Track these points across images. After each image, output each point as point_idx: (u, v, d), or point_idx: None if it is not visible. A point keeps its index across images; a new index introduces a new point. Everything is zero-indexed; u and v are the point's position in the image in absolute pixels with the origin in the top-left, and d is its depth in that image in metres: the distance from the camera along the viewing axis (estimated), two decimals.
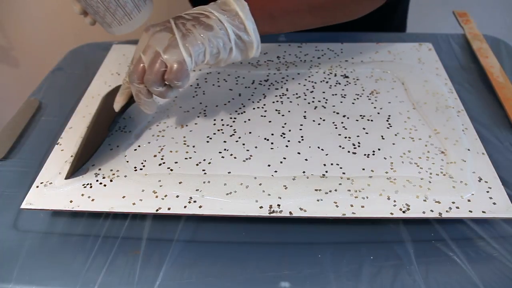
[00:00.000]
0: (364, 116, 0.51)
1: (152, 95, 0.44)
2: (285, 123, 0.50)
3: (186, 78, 0.42)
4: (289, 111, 0.52)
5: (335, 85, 0.56)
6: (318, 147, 0.47)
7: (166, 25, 0.43)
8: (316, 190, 0.42)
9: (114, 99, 0.48)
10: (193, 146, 0.48)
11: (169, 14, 0.59)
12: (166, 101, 0.55)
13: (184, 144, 0.48)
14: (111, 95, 0.50)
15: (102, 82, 0.59)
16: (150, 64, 0.41)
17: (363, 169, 0.44)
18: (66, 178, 0.44)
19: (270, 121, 0.51)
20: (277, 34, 0.66)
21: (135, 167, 0.46)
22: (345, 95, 0.55)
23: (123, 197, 0.42)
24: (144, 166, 0.46)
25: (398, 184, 0.43)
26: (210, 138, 0.49)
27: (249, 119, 0.51)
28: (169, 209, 0.41)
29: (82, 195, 0.43)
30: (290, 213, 0.40)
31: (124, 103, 0.47)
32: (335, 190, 0.42)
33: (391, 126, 0.50)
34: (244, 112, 0.52)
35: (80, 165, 0.45)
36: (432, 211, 0.40)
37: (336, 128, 0.50)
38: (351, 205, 0.41)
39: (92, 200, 0.42)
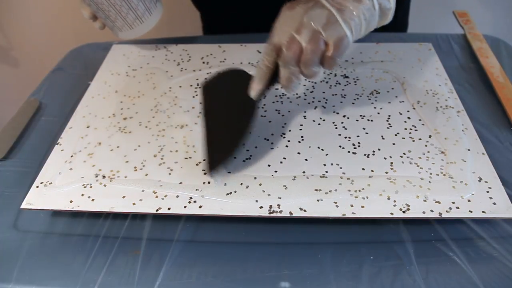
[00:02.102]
0: (364, 116, 0.51)
1: (303, 76, 0.42)
2: (285, 123, 0.50)
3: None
4: (289, 111, 0.52)
5: (335, 85, 0.56)
6: (318, 147, 0.47)
7: (312, 1, 0.40)
8: (316, 190, 0.42)
9: (229, 87, 0.45)
10: (193, 146, 0.48)
11: (170, 14, 0.59)
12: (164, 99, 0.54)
13: (184, 144, 0.48)
14: (215, 83, 0.48)
15: (102, 82, 0.59)
16: (310, 44, 0.39)
17: (363, 169, 0.44)
18: (208, 173, 0.43)
19: (270, 121, 0.51)
20: None
21: (135, 167, 0.46)
22: (345, 95, 0.55)
23: (123, 197, 0.42)
24: (144, 166, 0.46)
25: (398, 184, 0.43)
26: None
27: None
28: (169, 209, 0.41)
29: (82, 195, 0.43)
30: (290, 213, 0.40)
31: (263, 89, 0.44)
32: (335, 190, 0.42)
33: (391, 126, 0.50)
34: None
35: (226, 158, 0.43)
36: (432, 211, 0.40)
37: (336, 128, 0.50)
38: (351, 205, 0.41)
39: (92, 200, 0.42)
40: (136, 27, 0.54)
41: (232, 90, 0.46)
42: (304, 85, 0.56)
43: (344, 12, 0.39)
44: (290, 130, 0.49)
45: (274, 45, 0.41)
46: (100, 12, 0.52)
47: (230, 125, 0.45)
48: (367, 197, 0.41)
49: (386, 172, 0.44)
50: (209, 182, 0.43)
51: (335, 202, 0.41)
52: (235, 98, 0.46)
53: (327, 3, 0.39)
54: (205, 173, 0.41)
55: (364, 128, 0.49)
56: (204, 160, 0.45)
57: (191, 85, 0.57)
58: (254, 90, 0.44)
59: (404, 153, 0.46)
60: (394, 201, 0.41)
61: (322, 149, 0.47)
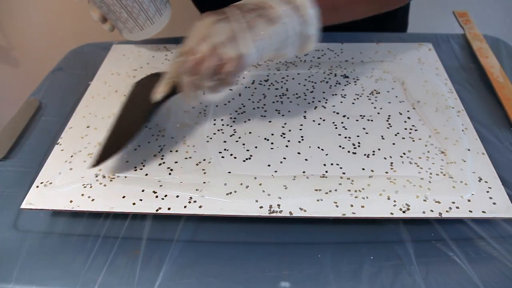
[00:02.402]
0: (364, 116, 0.51)
1: (200, 88, 0.42)
2: (285, 123, 0.50)
3: (241, 74, 0.40)
4: (289, 111, 0.52)
5: (335, 85, 0.56)
6: (318, 147, 0.47)
7: (224, 15, 0.40)
8: (316, 190, 0.42)
9: (148, 88, 0.45)
10: (193, 146, 0.48)
11: (172, 15, 0.59)
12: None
13: (184, 144, 0.48)
14: (144, 83, 0.48)
15: (102, 82, 0.59)
16: (208, 56, 0.39)
17: (363, 169, 0.44)
18: (93, 166, 0.43)
19: (270, 121, 0.51)
20: None
21: (135, 167, 0.46)
22: (345, 95, 0.55)
23: (123, 197, 0.42)
24: (144, 166, 0.46)
25: (398, 184, 0.43)
26: (210, 138, 0.49)
27: (249, 119, 0.51)
28: (169, 209, 0.41)
29: (82, 195, 0.43)
30: (290, 213, 0.40)
31: (166, 94, 0.44)
32: (335, 190, 0.42)
33: (391, 126, 0.50)
34: (244, 112, 0.52)
35: (109, 154, 0.44)
36: (432, 211, 0.40)
37: (336, 128, 0.50)
38: (351, 205, 0.41)
39: (92, 200, 0.42)
40: (147, 28, 0.55)
41: (146, 92, 0.46)
42: (304, 85, 0.56)
43: (250, 31, 0.39)
44: (290, 130, 0.49)
45: (181, 52, 0.41)
46: (111, 14, 0.52)
47: (126, 124, 0.46)
48: (367, 197, 0.41)
49: (386, 172, 0.44)
50: (209, 182, 0.43)
51: (335, 202, 0.41)
52: (145, 99, 0.46)
53: (235, 19, 0.39)
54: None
55: (364, 128, 0.49)
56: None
57: None
58: (157, 93, 0.44)
59: (404, 153, 0.46)
60: (394, 201, 0.41)
61: (322, 149, 0.47)
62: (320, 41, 0.41)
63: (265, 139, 0.48)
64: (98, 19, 0.56)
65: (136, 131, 0.45)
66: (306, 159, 0.46)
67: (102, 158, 0.44)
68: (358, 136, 0.48)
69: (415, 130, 0.49)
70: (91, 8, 0.55)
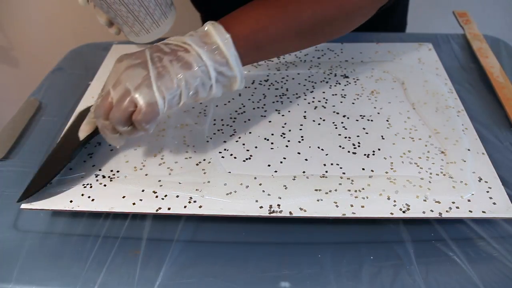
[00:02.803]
0: (364, 116, 0.51)
1: (117, 131, 0.40)
2: (285, 123, 0.50)
3: (155, 122, 0.38)
4: (289, 111, 0.52)
5: (335, 85, 0.56)
6: (318, 147, 0.47)
7: (141, 59, 0.39)
8: (316, 190, 0.42)
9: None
10: (193, 146, 0.48)
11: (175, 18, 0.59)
12: None
13: (184, 144, 0.48)
14: (83, 116, 0.46)
15: (102, 82, 0.58)
16: (118, 102, 0.38)
17: (363, 169, 0.44)
18: (17, 201, 0.41)
19: (270, 121, 0.51)
20: None
21: (135, 167, 0.46)
22: (345, 95, 0.55)
23: (123, 197, 0.42)
24: (144, 166, 0.46)
25: (398, 184, 0.43)
26: (210, 138, 0.49)
27: (249, 119, 0.51)
28: (169, 209, 0.41)
29: (82, 195, 0.43)
30: (290, 213, 0.40)
31: (89, 133, 0.43)
32: (335, 190, 0.42)
33: (391, 126, 0.50)
34: (244, 112, 0.52)
35: (36, 189, 0.42)
36: (432, 211, 0.40)
37: (336, 128, 0.50)
38: (351, 205, 0.41)
39: (92, 200, 0.42)
40: (153, 31, 0.55)
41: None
42: (304, 85, 0.56)
43: (163, 77, 0.37)
44: (290, 130, 0.49)
45: (100, 95, 0.41)
46: (118, 18, 0.53)
47: (56, 156, 0.45)
48: (367, 197, 0.41)
49: (386, 172, 0.44)
50: (209, 182, 0.43)
51: (335, 202, 0.41)
52: (75, 135, 0.45)
53: (150, 63, 0.38)
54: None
55: (364, 128, 0.49)
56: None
57: None
58: (81, 131, 0.43)
59: (404, 153, 0.46)
60: (394, 201, 0.41)
61: (322, 149, 0.47)
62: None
63: (265, 139, 0.48)
64: (104, 24, 0.56)
65: (60, 167, 0.43)
66: (306, 159, 0.46)
67: (28, 192, 0.42)
68: (358, 136, 0.48)
69: (415, 130, 0.49)
70: (98, 13, 0.55)
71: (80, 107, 0.54)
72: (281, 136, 0.49)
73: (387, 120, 0.50)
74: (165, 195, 0.42)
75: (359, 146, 0.47)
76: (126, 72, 0.38)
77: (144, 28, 0.54)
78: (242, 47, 0.40)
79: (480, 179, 0.43)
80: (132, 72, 0.38)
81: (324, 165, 0.45)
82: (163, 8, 0.54)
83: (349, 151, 0.46)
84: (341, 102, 0.54)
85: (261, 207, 0.41)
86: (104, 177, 0.45)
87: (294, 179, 0.43)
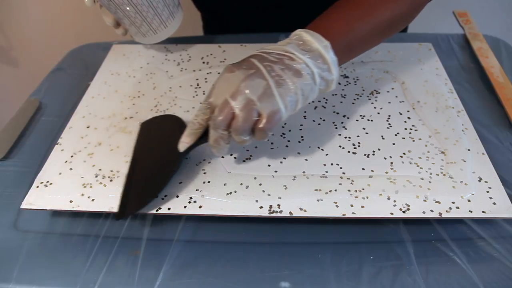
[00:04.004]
0: (364, 116, 0.51)
1: (229, 141, 0.41)
2: (285, 123, 0.50)
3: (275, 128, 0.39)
4: None
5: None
6: (318, 147, 0.47)
7: (253, 68, 0.39)
8: (316, 190, 0.42)
9: (161, 133, 0.45)
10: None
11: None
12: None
13: None
14: (153, 125, 0.47)
15: (102, 82, 0.59)
16: (242, 111, 0.38)
17: (363, 169, 0.44)
18: (117, 218, 0.41)
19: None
20: (277, 34, 0.66)
21: None
22: (345, 95, 0.55)
23: None
24: None
25: (398, 184, 0.43)
26: None
27: None
28: (169, 209, 0.41)
29: (82, 195, 0.43)
30: (290, 213, 0.40)
31: (191, 144, 0.42)
32: (335, 190, 0.42)
33: (391, 126, 0.50)
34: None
35: (141, 205, 0.41)
36: (432, 211, 0.40)
37: (336, 128, 0.50)
38: (351, 205, 0.41)
39: (92, 200, 0.42)
40: (160, 31, 0.55)
41: (165, 137, 0.46)
42: None
43: (282, 86, 0.38)
44: (290, 130, 0.49)
45: (210, 104, 0.40)
46: (126, 19, 0.52)
47: (152, 174, 0.44)
48: (367, 197, 0.41)
49: (386, 172, 0.44)
50: (209, 182, 0.43)
51: (335, 202, 0.41)
52: (165, 146, 0.45)
53: (267, 74, 0.38)
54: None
55: (364, 128, 0.49)
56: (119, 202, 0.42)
57: (191, 85, 0.57)
58: (182, 144, 0.42)
59: (404, 153, 0.46)
60: (394, 201, 0.41)
61: (322, 149, 0.47)
62: None
63: None
64: (111, 24, 0.56)
65: (166, 181, 0.42)
66: (306, 159, 0.46)
67: (130, 208, 0.41)
68: (358, 136, 0.48)
69: (415, 130, 0.49)
70: (105, 13, 0.55)
71: (80, 107, 0.54)
72: (281, 136, 0.49)
73: (387, 120, 0.50)
74: (165, 195, 0.42)
75: (359, 146, 0.47)
76: (246, 82, 0.38)
77: (152, 29, 0.54)
78: (338, 51, 0.41)
79: (480, 179, 0.43)
80: (251, 82, 0.38)
81: (324, 165, 0.45)
82: (171, 8, 0.53)
83: (349, 151, 0.46)
84: (341, 102, 0.53)
85: (261, 207, 0.41)
86: (104, 177, 0.45)
87: (294, 179, 0.43)
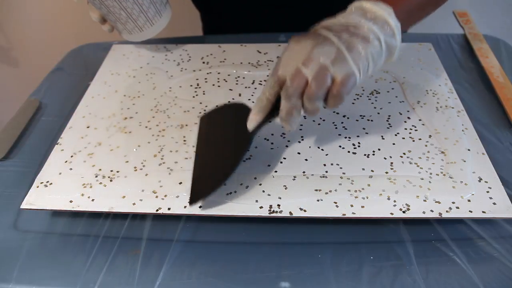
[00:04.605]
0: (364, 116, 0.51)
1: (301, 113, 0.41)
2: None
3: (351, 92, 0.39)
4: None
5: None
6: (318, 147, 0.47)
7: (323, 37, 0.39)
8: (316, 190, 0.42)
9: (225, 121, 0.45)
10: (193, 146, 0.48)
11: (172, 16, 0.59)
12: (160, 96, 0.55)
13: (184, 144, 0.48)
14: (215, 117, 0.47)
15: (102, 82, 0.59)
16: (317, 78, 0.38)
17: (363, 169, 0.44)
18: (190, 204, 0.41)
19: (270, 121, 0.51)
20: (277, 34, 0.66)
21: (135, 167, 0.46)
22: None
23: (123, 197, 0.42)
24: (144, 166, 0.46)
25: (398, 184, 0.43)
26: None
27: None
28: (169, 209, 0.41)
29: (82, 195, 0.43)
30: (290, 213, 0.40)
31: (261, 121, 0.42)
32: (335, 190, 0.42)
33: (391, 126, 0.50)
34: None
35: (215, 189, 0.41)
36: (432, 211, 0.40)
37: (336, 128, 0.50)
38: (351, 205, 0.41)
39: (92, 200, 0.42)
40: (146, 29, 0.54)
41: (229, 123, 0.46)
42: None
43: (353, 51, 0.38)
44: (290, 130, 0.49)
45: (278, 77, 0.40)
46: (111, 15, 0.52)
47: (220, 159, 0.44)
48: (367, 197, 0.41)
49: (386, 172, 0.44)
50: None
51: (335, 202, 0.41)
52: (231, 131, 0.45)
53: (337, 40, 0.38)
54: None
55: (364, 128, 0.49)
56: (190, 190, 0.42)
57: (191, 85, 0.57)
58: (252, 121, 0.42)
59: (404, 153, 0.46)
60: (394, 201, 0.41)
61: (322, 149, 0.47)
62: None
63: (265, 139, 0.48)
64: (97, 20, 0.56)
65: (237, 163, 0.42)
66: (306, 159, 0.46)
67: (202, 194, 0.41)
68: (358, 136, 0.48)
69: (415, 130, 0.49)
70: (91, 9, 0.55)
71: (80, 107, 0.54)
72: (281, 136, 0.49)
73: (387, 120, 0.50)
74: (165, 195, 0.42)
75: (359, 146, 0.47)
76: (316, 49, 0.38)
77: (138, 26, 0.53)
78: (400, 17, 0.41)
79: (480, 179, 0.43)
80: (322, 49, 0.38)
81: (324, 165, 0.45)
82: (158, 6, 0.53)
83: (349, 151, 0.46)
84: None
85: (261, 207, 0.41)
86: (104, 177, 0.45)
87: (294, 179, 0.43)
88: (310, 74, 0.38)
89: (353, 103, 0.53)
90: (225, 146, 0.44)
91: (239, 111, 0.44)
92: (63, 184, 0.44)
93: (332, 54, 0.38)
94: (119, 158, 0.47)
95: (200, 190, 0.41)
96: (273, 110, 0.42)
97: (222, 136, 0.46)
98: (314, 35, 0.40)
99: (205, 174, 0.43)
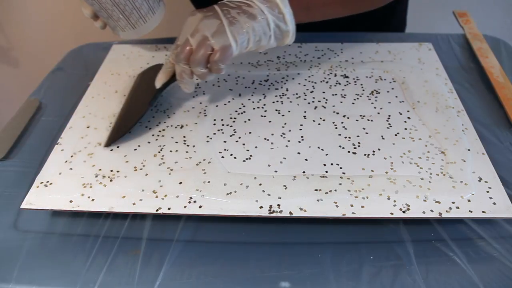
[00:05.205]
0: (364, 116, 0.51)
1: (193, 76, 0.47)
2: (285, 123, 0.50)
3: (228, 63, 0.45)
4: (289, 111, 0.52)
5: (335, 85, 0.56)
6: (318, 147, 0.47)
7: (212, 12, 0.45)
8: (316, 190, 0.42)
9: (151, 77, 0.51)
10: (193, 146, 0.48)
11: (169, 14, 0.59)
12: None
13: (184, 144, 0.48)
14: (148, 73, 0.55)
15: (102, 82, 0.59)
16: (198, 46, 0.44)
17: (363, 169, 0.44)
18: (105, 146, 0.48)
19: (270, 121, 0.51)
20: None
21: (135, 167, 0.46)
22: (345, 95, 0.55)
23: (123, 197, 0.42)
24: (144, 166, 0.46)
25: (398, 184, 0.43)
26: (210, 138, 0.49)
27: (249, 119, 0.51)
28: (169, 209, 0.41)
29: (82, 195, 0.43)
30: (290, 213, 0.40)
31: (165, 81, 0.50)
32: (335, 190, 0.42)
33: (391, 126, 0.50)
34: (244, 112, 0.52)
35: (119, 135, 0.49)
36: (432, 211, 0.40)
37: (336, 128, 0.50)
38: (351, 205, 0.41)
39: (92, 200, 0.42)
40: (139, 26, 0.54)
41: (151, 80, 0.52)
42: (304, 85, 0.56)
43: (234, 25, 0.44)
44: (290, 130, 0.49)
45: (177, 45, 0.47)
46: (103, 11, 0.52)
47: (132, 110, 0.51)
48: (367, 197, 0.41)
49: (386, 172, 0.44)
50: (209, 182, 0.43)
51: (335, 202, 0.41)
52: (147, 88, 0.52)
53: (222, 14, 0.45)
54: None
55: (364, 128, 0.49)
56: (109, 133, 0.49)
57: None
58: (158, 80, 0.50)
59: (404, 153, 0.46)
60: (394, 201, 0.41)
61: (322, 149, 0.47)
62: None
63: (265, 139, 0.48)
64: (89, 16, 0.56)
65: (142, 113, 0.50)
66: (306, 159, 0.46)
67: (113, 138, 0.48)
68: (358, 136, 0.48)
69: (415, 130, 0.49)
70: (83, 5, 0.55)
71: (80, 107, 0.54)
72: (281, 136, 0.49)
73: (387, 120, 0.50)
74: (165, 195, 0.42)
75: (359, 146, 0.47)
76: (203, 22, 0.45)
77: (130, 23, 0.53)
78: (295, 7, 0.47)
79: (480, 179, 0.43)
80: (207, 21, 0.45)
81: (324, 165, 0.45)
82: (151, 3, 0.53)
83: (349, 151, 0.46)
84: (341, 102, 0.54)
85: (261, 207, 0.41)
86: (104, 177, 0.45)
87: (294, 179, 0.43)
88: (194, 43, 0.45)
89: (353, 103, 0.53)
90: (139, 100, 0.52)
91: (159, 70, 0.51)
92: (63, 184, 0.44)
93: (214, 26, 0.44)
94: (119, 158, 0.47)
95: (113, 135, 0.49)
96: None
97: (143, 91, 0.53)
98: (208, 8, 0.46)
99: (120, 121, 0.51)
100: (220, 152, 0.47)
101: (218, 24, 0.44)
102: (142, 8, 0.52)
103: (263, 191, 0.42)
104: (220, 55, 0.44)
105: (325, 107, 0.53)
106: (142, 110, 0.50)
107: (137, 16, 0.52)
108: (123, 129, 0.49)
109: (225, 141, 0.48)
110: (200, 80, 0.56)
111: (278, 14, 0.46)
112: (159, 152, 0.47)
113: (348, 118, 0.51)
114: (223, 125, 0.51)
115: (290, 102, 0.54)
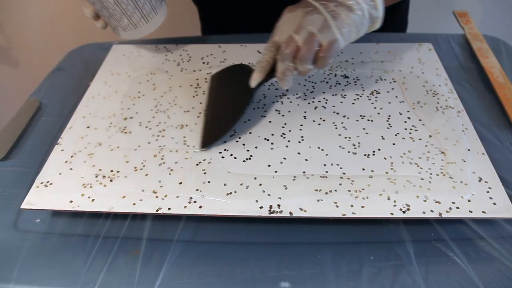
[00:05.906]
0: (364, 116, 0.51)
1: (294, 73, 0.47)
2: (285, 123, 0.50)
3: (335, 56, 0.45)
4: (289, 111, 0.52)
5: (335, 85, 0.56)
6: (318, 147, 0.47)
7: (311, 7, 0.45)
8: (316, 190, 0.42)
9: (229, 78, 0.52)
10: (193, 146, 0.48)
11: (169, 14, 0.59)
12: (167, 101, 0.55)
13: (184, 144, 0.48)
14: (223, 74, 0.55)
15: (102, 82, 0.59)
16: (305, 43, 0.44)
17: (363, 169, 0.44)
18: (201, 149, 0.47)
19: (270, 121, 0.51)
20: None
21: (135, 167, 0.46)
22: (345, 95, 0.55)
23: (123, 197, 0.42)
24: (144, 166, 0.46)
25: (398, 184, 0.43)
26: None
27: (249, 119, 0.51)
28: (169, 209, 0.41)
29: (82, 195, 0.43)
30: (290, 213, 0.40)
31: (261, 80, 0.49)
32: (335, 190, 0.42)
33: (391, 126, 0.50)
34: (244, 112, 0.52)
35: (218, 136, 0.48)
36: (432, 211, 0.40)
37: (336, 128, 0.50)
38: (351, 205, 0.41)
39: (92, 200, 0.42)
40: (141, 26, 0.54)
41: (235, 81, 0.52)
42: (304, 85, 0.56)
43: (337, 19, 0.44)
44: (290, 130, 0.49)
45: (274, 43, 0.46)
46: (105, 10, 0.52)
47: (228, 110, 0.51)
48: (367, 197, 0.41)
49: (386, 172, 0.44)
50: (209, 182, 0.43)
51: (335, 202, 0.41)
52: (236, 87, 0.52)
53: (323, 10, 0.44)
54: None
55: (364, 128, 0.49)
56: (201, 137, 0.49)
57: (191, 85, 0.57)
58: (254, 80, 0.49)
59: (404, 153, 0.46)
60: (394, 201, 0.41)
61: (322, 149, 0.47)
62: None
63: (265, 139, 0.48)
64: (90, 16, 0.56)
65: (241, 113, 0.49)
66: (306, 159, 0.46)
67: (212, 139, 0.48)
68: (358, 136, 0.48)
69: (415, 130, 0.49)
70: (84, 4, 0.54)
71: (80, 107, 0.54)
72: (281, 136, 0.49)
73: (387, 120, 0.50)
74: (165, 195, 0.42)
75: (359, 146, 0.47)
76: (306, 18, 0.44)
77: (132, 23, 0.53)
78: None
79: (480, 179, 0.43)
80: (310, 18, 0.44)
81: (324, 165, 0.45)
82: (153, 3, 0.53)
83: (349, 151, 0.46)
84: (341, 102, 0.54)
85: (261, 207, 0.41)
86: (104, 177, 0.45)
87: (294, 179, 0.43)
88: (301, 40, 0.44)
89: (353, 103, 0.53)
90: (232, 99, 0.52)
91: (243, 70, 0.52)
92: (63, 184, 0.44)
93: (319, 22, 0.44)
94: (119, 158, 0.47)
95: (210, 136, 0.48)
96: (272, 71, 0.48)
97: (229, 91, 0.53)
98: (305, 4, 0.46)
99: (215, 123, 0.50)
100: (220, 152, 0.47)
101: (323, 20, 0.44)
102: (145, 8, 0.52)
103: (263, 191, 0.42)
104: (329, 51, 0.44)
105: (325, 107, 0.53)
106: (240, 110, 0.49)
107: (139, 16, 0.52)
108: (223, 130, 0.48)
109: (225, 141, 0.48)
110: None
111: (370, 2, 0.45)
112: (159, 152, 0.47)
113: (348, 118, 0.51)
114: None
115: (290, 102, 0.54)
